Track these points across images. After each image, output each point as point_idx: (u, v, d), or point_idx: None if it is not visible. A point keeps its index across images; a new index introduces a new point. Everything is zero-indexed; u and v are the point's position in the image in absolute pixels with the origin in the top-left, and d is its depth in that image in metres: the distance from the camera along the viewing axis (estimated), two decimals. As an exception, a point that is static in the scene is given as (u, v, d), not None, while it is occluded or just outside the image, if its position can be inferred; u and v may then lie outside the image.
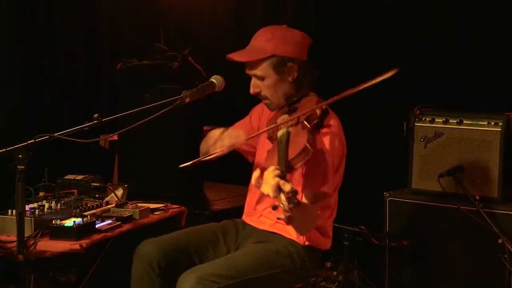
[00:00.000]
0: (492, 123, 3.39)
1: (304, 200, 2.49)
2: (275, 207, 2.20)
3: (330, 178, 2.59)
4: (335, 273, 3.89)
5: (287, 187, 2.16)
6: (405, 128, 3.61)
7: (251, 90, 2.76)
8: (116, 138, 4.27)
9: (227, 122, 3.13)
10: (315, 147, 2.45)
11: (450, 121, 3.49)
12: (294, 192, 2.16)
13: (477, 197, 3.34)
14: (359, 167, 4.31)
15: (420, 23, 4.18)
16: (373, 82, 2.47)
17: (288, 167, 2.31)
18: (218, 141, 2.62)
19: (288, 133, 2.42)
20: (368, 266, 3.85)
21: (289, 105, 2.73)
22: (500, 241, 3.22)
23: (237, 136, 2.63)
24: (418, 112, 3.58)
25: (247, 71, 2.76)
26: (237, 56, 2.73)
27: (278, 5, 4.68)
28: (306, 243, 2.74)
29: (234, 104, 4.18)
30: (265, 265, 2.60)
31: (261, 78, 2.72)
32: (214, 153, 2.60)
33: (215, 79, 2.76)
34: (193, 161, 2.63)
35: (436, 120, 3.53)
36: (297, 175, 2.57)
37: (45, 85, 4.78)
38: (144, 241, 2.69)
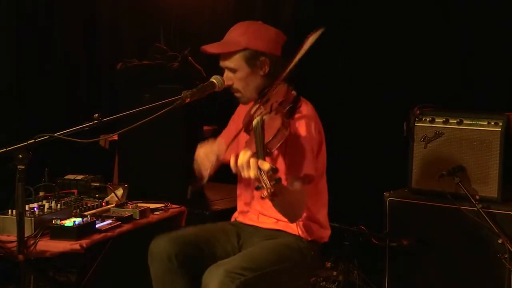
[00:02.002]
0: (492, 123, 3.39)
1: (289, 186, 2.54)
2: (257, 188, 2.23)
3: (311, 160, 2.63)
4: (335, 273, 3.89)
5: (265, 165, 2.21)
6: (405, 128, 3.61)
7: (225, 83, 2.79)
8: (116, 138, 4.27)
9: (227, 122, 3.14)
10: (290, 130, 2.50)
11: (450, 121, 3.50)
12: (273, 170, 2.20)
13: (477, 197, 3.34)
14: (359, 167, 4.33)
15: (420, 23, 4.18)
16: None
17: (265, 151, 2.34)
18: (205, 160, 2.74)
19: (262, 121, 2.48)
20: (368, 266, 3.85)
21: (261, 96, 2.76)
22: (500, 241, 3.22)
23: (218, 149, 2.73)
24: (418, 112, 3.58)
25: (221, 63, 2.80)
26: (211, 48, 2.79)
27: (277, 5, 4.68)
28: (310, 238, 2.78)
29: (234, 104, 4.18)
30: (281, 259, 2.65)
31: (234, 71, 2.77)
32: (207, 173, 2.72)
33: (215, 79, 2.76)
34: (196, 187, 2.78)
35: (436, 120, 3.53)
36: (279, 163, 2.62)
37: (45, 85, 4.78)
38: (155, 239, 2.71)
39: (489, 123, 3.40)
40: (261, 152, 2.30)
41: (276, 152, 2.59)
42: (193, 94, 2.64)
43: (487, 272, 3.31)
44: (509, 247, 3.18)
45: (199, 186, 2.75)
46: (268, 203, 2.77)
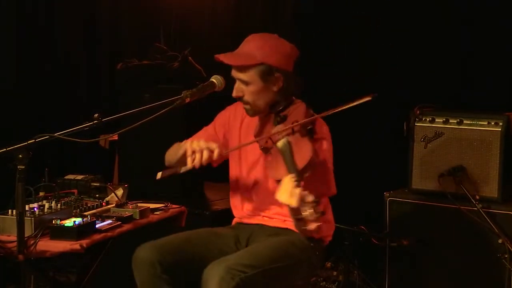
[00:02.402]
0: (492, 123, 3.39)
1: None
2: (298, 219, 2.22)
3: (333, 181, 2.68)
4: (335, 273, 3.89)
5: (310, 197, 2.19)
6: (405, 128, 3.61)
7: (234, 93, 2.77)
8: (116, 138, 4.27)
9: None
10: (318, 154, 2.49)
11: (450, 121, 3.50)
12: (317, 202, 2.19)
13: (477, 197, 3.34)
14: (359, 167, 4.33)
15: (421, 22, 4.18)
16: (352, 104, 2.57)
17: (299, 177, 2.31)
18: (197, 153, 2.62)
19: (289, 143, 2.41)
20: (368, 266, 3.85)
21: (277, 114, 2.74)
22: (500, 241, 3.22)
23: (213, 148, 2.63)
24: (418, 112, 3.58)
25: (233, 74, 2.76)
26: (226, 59, 2.73)
27: (277, 5, 4.68)
28: (317, 236, 2.76)
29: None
30: (283, 256, 2.64)
31: (246, 84, 2.74)
32: (189, 166, 2.64)
33: (215, 79, 2.76)
34: (169, 172, 2.72)
35: (436, 120, 3.53)
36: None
37: (45, 85, 4.78)
38: (138, 248, 2.68)
39: (489, 123, 3.40)
40: (297, 179, 2.27)
41: None
42: (193, 94, 2.64)
43: (487, 272, 3.31)
44: (509, 247, 3.18)
45: (172, 174, 2.70)
46: (275, 209, 2.79)
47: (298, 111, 2.69)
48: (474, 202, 3.29)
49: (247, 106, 2.78)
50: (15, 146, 2.35)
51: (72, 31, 4.94)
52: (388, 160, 4.12)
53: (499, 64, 3.99)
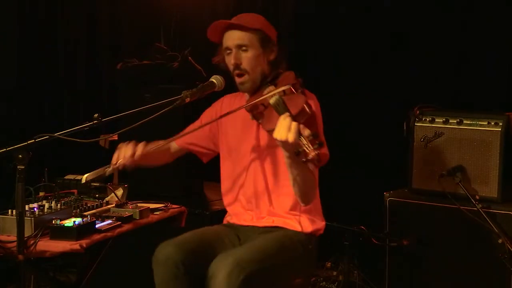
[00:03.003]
0: (492, 123, 3.39)
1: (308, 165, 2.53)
2: (297, 153, 2.28)
3: (324, 139, 2.67)
4: (335, 273, 3.89)
5: (307, 130, 2.27)
6: (405, 128, 3.61)
7: (233, 61, 2.78)
8: (116, 138, 4.27)
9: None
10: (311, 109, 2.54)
11: (450, 121, 3.49)
12: (315, 134, 2.25)
13: (477, 197, 3.34)
14: (359, 167, 4.33)
15: (420, 23, 4.18)
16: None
17: (294, 119, 2.37)
18: (120, 151, 2.75)
19: (280, 97, 2.49)
20: (368, 266, 3.85)
21: (266, 83, 2.78)
22: (500, 241, 3.22)
23: (138, 147, 2.74)
24: (418, 112, 3.58)
25: (230, 43, 2.79)
26: (232, 20, 2.82)
27: (277, 5, 4.68)
28: (309, 230, 2.80)
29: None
30: (284, 249, 2.67)
31: (246, 48, 2.78)
32: (112, 164, 2.74)
33: (215, 79, 2.76)
34: (95, 175, 2.80)
35: (436, 120, 3.53)
36: None
37: (45, 85, 4.78)
38: (161, 245, 2.64)
39: (489, 123, 3.40)
40: (292, 118, 2.34)
41: None
42: (193, 94, 2.64)
43: (487, 272, 3.31)
44: (509, 247, 3.18)
45: (98, 175, 2.78)
46: (268, 199, 2.79)
47: (287, 77, 2.74)
48: (474, 202, 3.28)
49: (245, 77, 2.79)
50: (15, 146, 2.35)
51: (72, 31, 4.95)
52: (388, 160, 4.12)
53: (499, 64, 3.99)
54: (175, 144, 3.05)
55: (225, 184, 2.98)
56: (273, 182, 2.82)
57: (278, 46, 2.85)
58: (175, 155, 3.10)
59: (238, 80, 2.81)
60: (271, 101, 2.49)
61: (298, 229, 2.77)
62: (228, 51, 2.81)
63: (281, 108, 2.44)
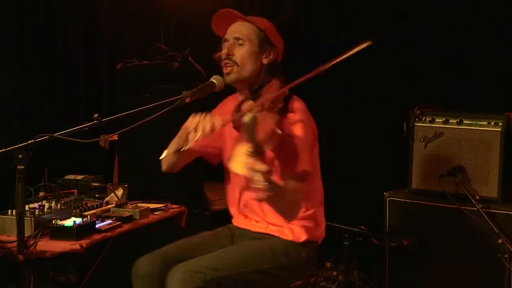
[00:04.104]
0: (492, 123, 3.39)
1: (285, 185, 2.43)
2: (254, 187, 2.17)
3: (307, 156, 2.57)
4: (335, 273, 3.89)
5: (259, 166, 2.14)
6: (405, 128, 3.61)
7: (224, 51, 2.74)
8: (116, 138, 4.27)
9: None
10: (284, 130, 2.43)
11: (450, 121, 3.49)
12: (268, 171, 2.15)
13: (477, 197, 3.34)
14: (359, 167, 4.33)
15: (420, 23, 4.18)
16: (343, 57, 2.49)
17: (258, 150, 2.25)
18: (199, 124, 2.46)
19: (254, 118, 2.36)
20: (368, 266, 3.85)
21: (252, 92, 2.72)
22: (500, 241, 3.22)
23: (215, 119, 2.49)
24: (418, 112, 3.58)
25: (230, 34, 2.77)
26: (230, 12, 2.79)
27: (277, 5, 4.68)
28: (303, 238, 2.75)
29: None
30: (252, 261, 2.62)
31: (242, 43, 2.75)
32: (193, 137, 2.46)
33: (215, 79, 2.75)
34: (173, 149, 2.64)
35: (436, 120, 3.53)
36: (273, 162, 2.52)
37: (45, 85, 4.78)
38: (138, 260, 2.63)
39: (489, 123, 3.40)
40: (255, 151, 2.22)
41: (269, 152, 2.48)
42: (193, 94, 2.63)
43: (487, 272, 3.31)
44: (509, 247, 3.18)
45: (177, 150, 2.66)
46: (259, 207, 2.78)
47: (271, 89, 2.68)
48: (474, 202, 3.28)
49: (233, 68, 2.74)
50: (15, 146, 2.34)
51: (72, 31, 4.94)
52: (388, 160, 4.12)
53: (499, 64, 3.99)
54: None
55: (226, 185, 2.96)
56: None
57: (277, 53, 2.78)
58: (189, 160, 2.94)
59: (225, 70, 2.75)
60: (245, 118, 2.37)
61: (290, 238, 2.73)
62: (225, 42, 2.79)
63: (249, 130, 2.31)
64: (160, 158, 2.64)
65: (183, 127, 2.55)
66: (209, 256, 2.60)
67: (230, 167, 2.26)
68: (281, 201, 2.39)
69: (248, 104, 2.59)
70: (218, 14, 2.80)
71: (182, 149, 2.57)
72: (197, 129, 2.45)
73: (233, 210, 2.93)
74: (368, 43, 2.44)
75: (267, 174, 2.14)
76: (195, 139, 2.45)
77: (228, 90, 2.86)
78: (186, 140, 2.48)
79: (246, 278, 2.58)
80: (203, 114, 2.49)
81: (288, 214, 2.58)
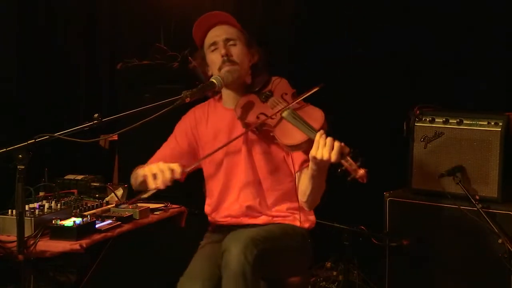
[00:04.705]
0: (492, 123, 3.39)
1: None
2: (340, 171, 2.30)
3: None
4: (335, 273, 3.90)
5: (346, 148, 2.27)
6: (405, 128, 3.61)
7: (223, 52, 2.76)
8: (116, 138, 4.27)
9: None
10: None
11: (450, 121, 3.49)
12: (355, 151, 2.25)
13: (477, 197, 3.34)
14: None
15: (420, 23, 4.18)
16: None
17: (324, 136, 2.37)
18: (158, 174, 2.53)
19: (293, 112, 2.46)
20: (368, 266, 3.85)
21: (259, 92, 2.76)
22: (500, 241, 3.22)
23: (173, 167, 2.54)
24: (418, 112, 3.58)
25: (219, 37, 2.79)
26: (219, 14, 2.84)
27: (277, 5, 4.68)
28: (306, 225, 2.81)
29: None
30: (288, 236, 2.68)
31: (234, 43, 2.78)
32: (152, 188, 2.56)
33: (215, 79, 2.75)
34: (135, 201, 2.80)
35: (436, 120, 3.53)
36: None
37: (45, 85, 4.78)
38: (181, 281, 2.57)
39: (489, 123, 3.40)
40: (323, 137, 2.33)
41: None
42: (193, 94, 2.63)
43: (487, 272, 3.31)
44: (509, 247, 3.18)
45: (137, 201, 2.73)
46: (261, 204, 2.78)
47: (282, 85, 2.74)
48: (474, 202, 3.28)
49: (235, 66, 2.77)
50: (15, 146, 2.34)
51: (72, 31, 4.94)
52: (388, 160, 4.12)
53: (498, 64, 3.99)
54: None
55: (214, 189, 2.90)
56: (269, 187, 2.79)
57: (261, 51, 2.85)
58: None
59: (228, 67, 2.75)
60: (284, 114, 2.46)
61: (297, 224, 2.78)
62: (214, 47, 2.80)
63: (298, 120, 2.40)
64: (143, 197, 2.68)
65: (143, 174, 2.62)
66: (257, 229, 2.62)
67: (316, 156, 2.33)
68: (321, 191, 2.55)
69: (273, 100, 2.66)
70: (201, 20, 2.84)
71: (147, 194, 2.63)
72: (156, 176, 2.52)
73: (227, 212, 2.86)
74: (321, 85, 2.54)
75: (355, 154, 2.28)
76: (153, 189, 2.55)
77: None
78: (145, 189, 2.60)
79: (284, 251, 2.62)
80: (161, 164, 2.56)
81: (316, 203, 2.67)
